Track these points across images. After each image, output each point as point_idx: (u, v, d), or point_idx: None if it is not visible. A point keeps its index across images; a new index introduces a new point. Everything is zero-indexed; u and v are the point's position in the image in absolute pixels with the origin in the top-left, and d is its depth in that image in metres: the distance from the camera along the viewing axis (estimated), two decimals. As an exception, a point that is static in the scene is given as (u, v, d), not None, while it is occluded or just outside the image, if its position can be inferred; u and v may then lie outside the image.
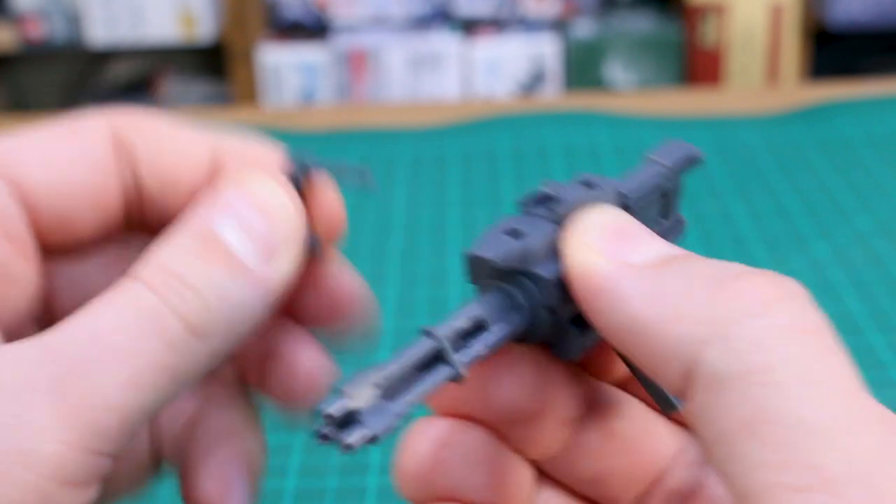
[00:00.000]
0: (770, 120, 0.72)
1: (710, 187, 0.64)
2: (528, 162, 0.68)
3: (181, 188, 0.27)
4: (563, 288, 0.23)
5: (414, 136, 0.72)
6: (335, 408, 0.21)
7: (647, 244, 0.22)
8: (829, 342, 0.19)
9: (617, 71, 1.78)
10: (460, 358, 0.22)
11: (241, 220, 0.25)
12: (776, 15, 1.76)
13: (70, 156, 0.27)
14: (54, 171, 0.26)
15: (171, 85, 1.95)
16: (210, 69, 2.01)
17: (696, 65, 1.80)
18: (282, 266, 0.25)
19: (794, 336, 0.19)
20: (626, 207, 0.25)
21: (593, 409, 0.25)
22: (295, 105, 1.69)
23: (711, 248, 0.57)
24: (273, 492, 0.42)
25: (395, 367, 0.22)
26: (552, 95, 1.75)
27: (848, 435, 0.18)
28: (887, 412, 0.19)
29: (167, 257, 0.24)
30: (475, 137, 0.71)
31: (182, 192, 0.27)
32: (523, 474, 0.25)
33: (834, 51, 1.88)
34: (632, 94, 0.79)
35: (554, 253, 0.23)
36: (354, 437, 0.21)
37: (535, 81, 1.78)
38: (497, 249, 0.23)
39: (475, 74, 1.78)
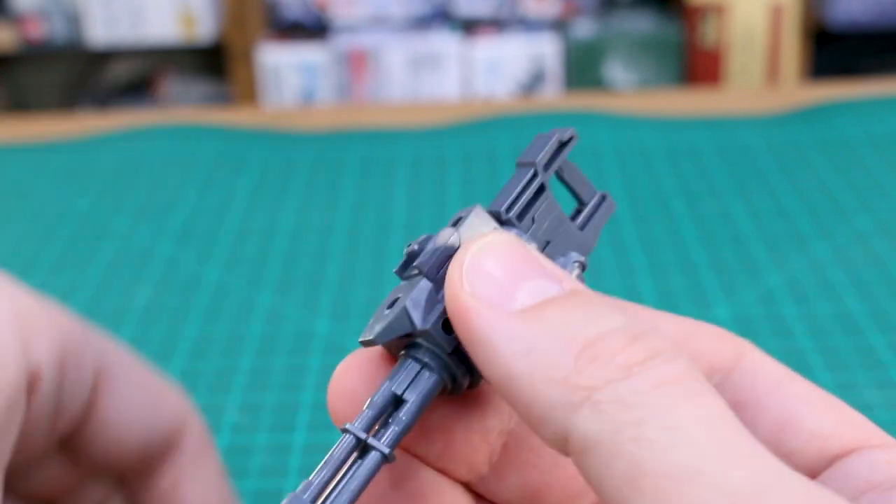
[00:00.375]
0: (770, 120, 0.72)
1: (710, 187, 0.64)
2: (528, 162, 0.68)
3: (128, 443, 0.29)
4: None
5: (414, 136, 0.72)
6: None
7: (526, 282, 0.21)
8: (694, 387, 0.19)
9: (617, 71, 1.78)
10: (384, 440, 0.23)
11: None
12: (776, 15, 1.76)
13: (145, 405, 0.29)
14: (127, 413, 0.28)
15: (171, 85, 1.95)
16: (210, 69, 2.01)
17: (696, 65, 1.80)
18: None
19: (659, 390, 0.19)
20: (504, 222, 0.25)
21: (519, 425, 0.25)
22: (295, 105, 1.69)
23: (711, 248, 0.57)
24: (273, 492, 0.42)
25: (324, 474, 0.22)
26: (552, 95, 1.75)
27: (724, 472, 0.18)
28: (759, 444, 0.19)
29: None
30: (475, 137, 0.71)
31: (122, 448, 0.29)
32: (456, 498, 0.25)
33: (834, 51, 1.88)
34: (632, 94, 0.80)
35: (436, 301, 0.23)
36: None
37: (535, 81, 1.78)
38: (377, 327, 0.24)
39: (475, 74, 1.78)
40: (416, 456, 0.25)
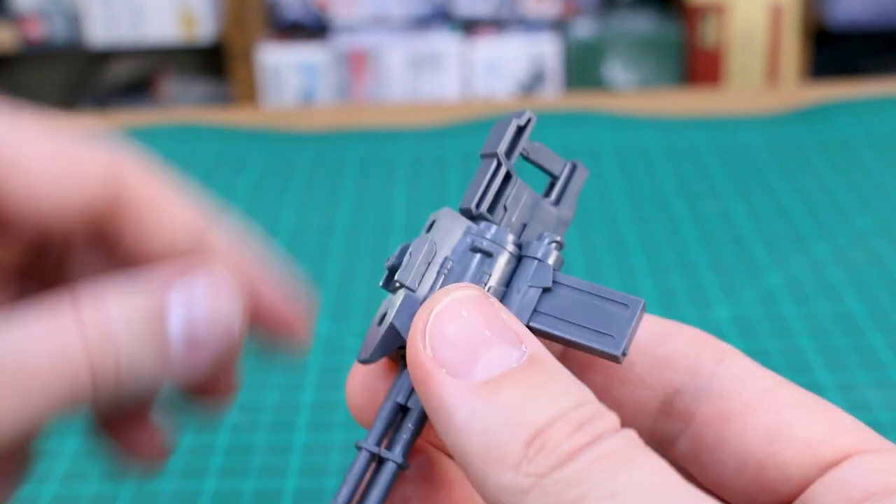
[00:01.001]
0: (770, 120, 0.72)
1: (710, 187, 0.64)
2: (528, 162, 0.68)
3: (154, 250, 0.28)
4: None
5: (414, 136, 0.72)
6: None
7: (487, 350, 0.22)
8: (632, 453, 0.21)
9: (617, 71, 1.78)
10: (396, 450, 0.24)
11: (192, 309, 0.26)
12: (776, 15, 1.76)
13: (64, 171, 0.27)
14: (36, 171, 0.27)
15: (171, 85, 1.95)
16: (210, 69, 2.01)
17: (696, 65, 1.80)
18: (201, 363, 0.26)
19: (598, 464, 0.20)
20: (476, 217, 0.25)
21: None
22: (295, 105, 1.69)
23: (711, 248, 0.57)
24: (273, 492, 0.42)
25: (345, 491, 0.23)
26: (552, 95, 1.75)
27: None
28: (695, 493, 0.20)
29: (115, 308, 0.25)
30: (475, 137, 0.71)
31: (153, 254, 0.28)
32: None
33: (834, 51, 1.88)
34: (632, 94, 0.79)
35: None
36: None
37: (535, 81, 1.78)
38: (370, 346, 0.25)
39: (475, 74, 1.78)
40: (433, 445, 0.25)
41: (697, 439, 0.25)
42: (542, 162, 0.27)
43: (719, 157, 0.68)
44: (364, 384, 0.25)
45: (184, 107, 1.89)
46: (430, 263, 0.25)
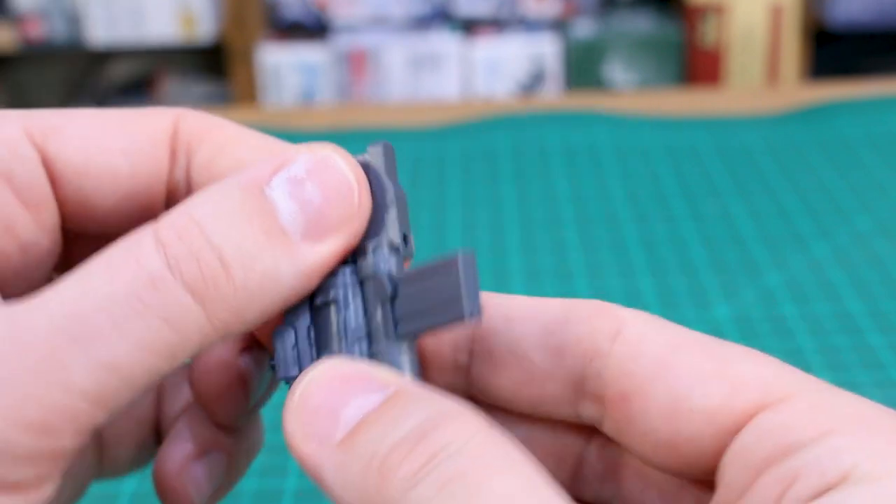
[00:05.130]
0: (770, 120, 0.72)
1: (710, 187, 0.64)
2: (528, 162, 0.68)
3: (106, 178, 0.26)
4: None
5: (414, 136, 0.72)
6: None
7: (350, 402, 0.21)
8: (478, 465, 0.20)
9: (617, 71, 1.78)
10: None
11: (300, 188, 0.22)
12: (776, 15, 1.76)
13: (119, 144, 0.25)
14: (96, 154, 0.25)
15: (171, 85, 1.95)
16: (210, 69, 2.01)
17: (696, 65, 1.80)
18: (328, 250, 0.22)
19: (443, 492, 0.19)
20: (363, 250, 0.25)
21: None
22: (295, 105, 1.69)
23: (711, 248, 0.57)
24: (273, 492, 0.42)
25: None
26: (552, 95, 1.75)
27: None
28: (548, 493, 0.19)
29: (195, 207, 0.21)
30: (475, 137, 0.71)
31: None
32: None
33: (834, 51, 1.88)
34: (632, 94, 0.80)
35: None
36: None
37: (535, 81, 1.78)
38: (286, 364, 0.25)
39: (475, 74, 1.78)
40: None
41: (613, 421, 0.23)
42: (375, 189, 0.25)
43: (719, 157, 0.68)
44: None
45: (184, 107, 1.89)
46: (295, 346, 0.25)
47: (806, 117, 0.72)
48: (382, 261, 0.24)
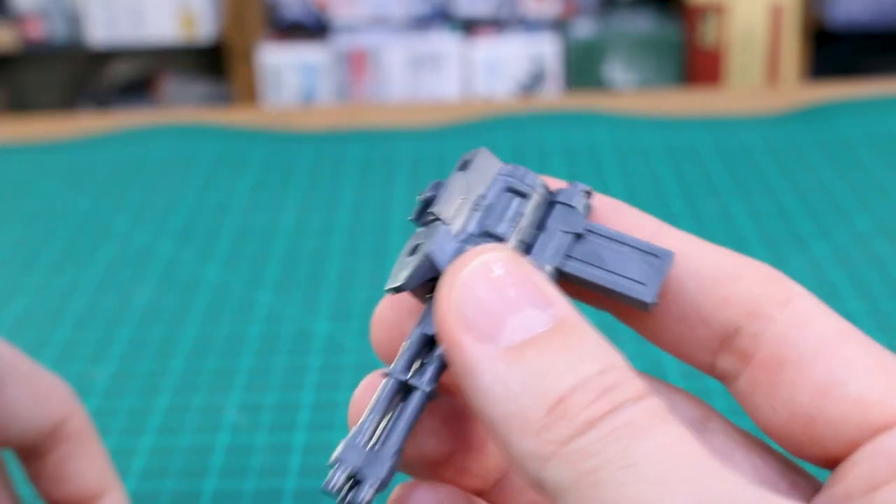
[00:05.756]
0: (770, 120, 0.72)
1: (710, 187, 0.64)
2: (528, 162, 0.68)
3: (63, 478, 0.36)
4: None
5: (414, 136, 0.72)
6: (335, 480, 0.22)
7: (515, 314, 0.22)
8: (652, 422, 0.20)
9: (617, 71, 1.78)
10: (424, 378, 0.23)
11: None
12: (776, 15, 1.76)
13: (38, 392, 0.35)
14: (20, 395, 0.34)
15: (171, 85, 1.95)
16: (210, 69, 2.01)
17: (696, 65, 1.80)
18: None
19: (616, 433, 0.20)
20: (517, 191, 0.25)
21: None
22: (295, 105, 1.69)
23: (711, 248, 0.57)
24: (273, 492, 0.42)
25: (372, 417, 0.23)
26: (552, 95, 1.74)
27: (667, 500, 0.19)
28: (712, 464, 0.20)
29: None
30: (475, 137, 0.71)
31: (59, 480, 0.35)
32: None
33: (834, 51, 1.88)
34: (632, 94, 0.80)
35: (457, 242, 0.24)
36: (365, 492, 0.22)
37: (535, 81, 1.78)
38: (403, 274, 0.24)
39: (475, 74, 1.78)
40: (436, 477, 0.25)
41: (753, 382, 0.24)
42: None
43: (719, 157, 0.68)
44: (390, 318, 0.25)
45: (184, 107, 1.89)
46: (463, 199, 0.25)
47: (806, 117, 0.72)
48: (579, 200, 0.25)
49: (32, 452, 0.35)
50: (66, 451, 0.35)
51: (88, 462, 0.36)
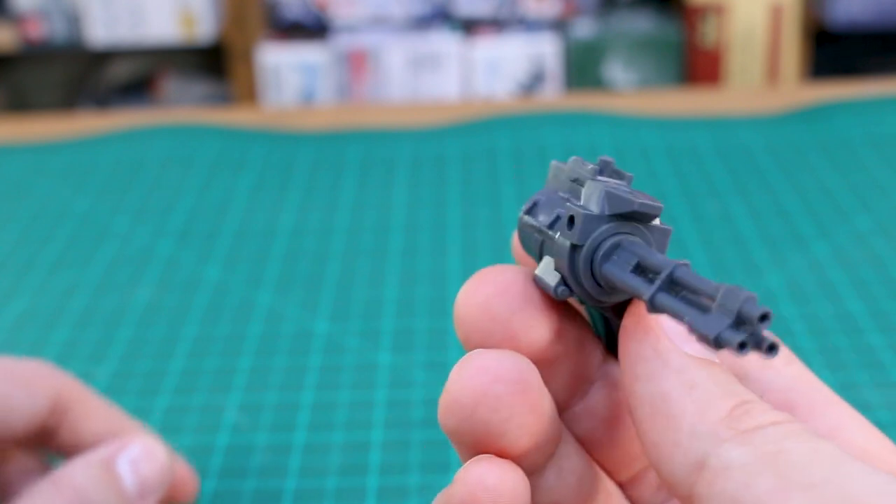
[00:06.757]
0: (770, 120, 0.72)
1: (710, 187, 0.64)
2: (528, 162, 0.68)
3: (84, 442, 0.38)
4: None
5: (414, 136, 0.72)
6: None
7: (692, 342, 0.24)
8: (814, 432, 0.22)
9: (617, 71, 1.78)
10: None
11: (137, 466, 0.36)
12: (776, 15, 1.76)
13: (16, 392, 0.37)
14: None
15: (171, 85, 1.95)
16: (210, 69, 2.01)
17: (696, 65, 1.80)
18: (150, 501, 0.36)
19: (797, 434, 0.22)
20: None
21: (607, 376, 0.27)
22: (295, 105, 1.69)
23: (711, 248, 0.57)
24: (273, 492, 0.42)
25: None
26: (552, 95, 1.74)
27: (863, 479, 0.20)
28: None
29: (78, 474, 0.35)
30: (475, 137, 0.71)
31: (82, 445, 0.38)
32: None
33: (834, 51, 1.88)
34: (632, 94, 0.79)
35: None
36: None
37: (535, 81, 1.78)
38: (597, 204, 0.24)
39: (475, 74, 1.78)
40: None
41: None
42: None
43: (719, 157, 0.68)
44: (484, 300, 0.26)
45: (184, 107, 1.89)
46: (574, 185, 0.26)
47: (806, 117, 0.72)
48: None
49: (46, 436, 0.37)
50: (72, 419, 0.37)
51: (95, 417, 0.38)
